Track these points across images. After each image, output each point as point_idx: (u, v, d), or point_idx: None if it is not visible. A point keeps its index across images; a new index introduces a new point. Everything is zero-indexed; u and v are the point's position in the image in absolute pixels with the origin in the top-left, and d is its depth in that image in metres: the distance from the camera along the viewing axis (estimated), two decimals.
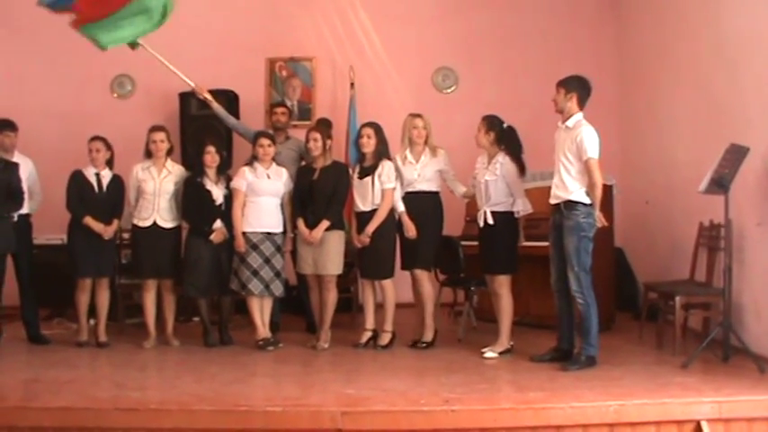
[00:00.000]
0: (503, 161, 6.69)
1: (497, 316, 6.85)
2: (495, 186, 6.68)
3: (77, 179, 7.22)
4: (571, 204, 6.21)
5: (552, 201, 6.38)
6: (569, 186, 6.22)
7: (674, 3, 8.11)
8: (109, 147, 7.29)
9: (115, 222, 7.23)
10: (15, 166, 7.17)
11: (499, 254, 6.73)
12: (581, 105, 6.32)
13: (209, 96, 7.95)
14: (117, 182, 7.32)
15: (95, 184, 7.22)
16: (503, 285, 6.75)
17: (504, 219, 6.71)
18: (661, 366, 6.27)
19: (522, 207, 6.72)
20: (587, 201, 6.18)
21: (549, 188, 6.43)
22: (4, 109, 7.78)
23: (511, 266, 6.78)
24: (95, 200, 7.20)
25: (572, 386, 5.61)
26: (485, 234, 6.79)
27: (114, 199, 7.27)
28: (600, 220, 6.19)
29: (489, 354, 6.67)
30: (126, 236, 7.70)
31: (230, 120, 8.17)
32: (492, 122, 6.77)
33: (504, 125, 6.76)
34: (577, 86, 6.30)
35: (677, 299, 6.65)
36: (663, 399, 5.31)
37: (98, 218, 7.13)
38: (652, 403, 5.25)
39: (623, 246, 8.93)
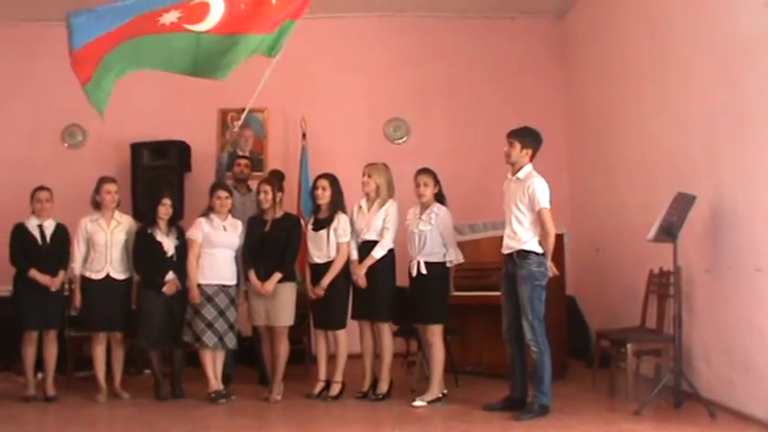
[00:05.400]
0: (437, 211, 6.76)
1: (428, 365, 6.91)
2: (431, 236, 6.73)
3: (20, 232, 7.12)
4: (524, 254, 6.26)
5: (505, 251, 6.43)
6: (522, 236, 6.27)
7: (620, 57, 8.26)
8: (52, 197, 7.20)
9: (62, 273, 7.12)
10: None
11: (432, 304, 6.76)
12: (532, 158, 6.40)
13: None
14: (61, 231, 7.23)
15: (39, 237, 7.12)
16: (435, 335, 6.77)
17: (437, 269, 6.78)
18: (614, 414, 6.30)
19: (454, 257, 6.80)
20: (540, 250, 6.24)
21: (500, 238, 6.48)
22: None
23: (443, 316, 6.82)
24: (40, 252, 7.10)
25: None
26: (417, 284, 6.82)
27: (59, 250, 7.18)
28: (551, 269, 6.26)
29: (419, 402, 6.66)
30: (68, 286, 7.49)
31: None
32: (436, 176, 6.86)
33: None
34: (533, 142, 6.37)
35: (629, 346, 6.67)
36: None
37: (44, 270, 7.01)
38: None
39: (575, 293, 8.99)
